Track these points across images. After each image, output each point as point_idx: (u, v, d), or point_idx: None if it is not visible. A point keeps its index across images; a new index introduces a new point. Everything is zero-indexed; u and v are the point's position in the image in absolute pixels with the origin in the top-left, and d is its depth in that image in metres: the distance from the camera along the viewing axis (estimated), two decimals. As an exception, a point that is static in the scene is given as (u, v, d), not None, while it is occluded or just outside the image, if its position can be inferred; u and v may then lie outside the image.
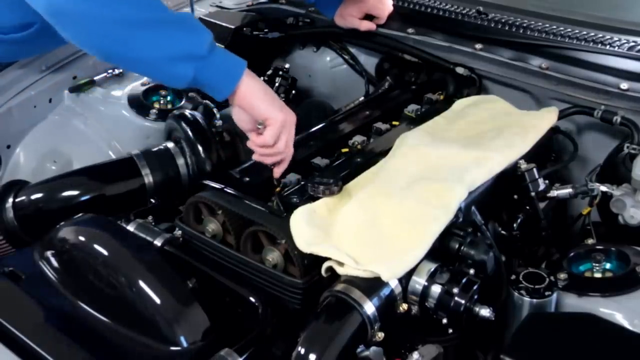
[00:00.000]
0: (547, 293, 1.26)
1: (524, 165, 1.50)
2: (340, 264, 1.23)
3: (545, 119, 1.66)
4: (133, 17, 1.30)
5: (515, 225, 1.53)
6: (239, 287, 1.31)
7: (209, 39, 1.36)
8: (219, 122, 1.71)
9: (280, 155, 1.44)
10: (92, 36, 1.33)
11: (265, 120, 1.41)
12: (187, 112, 1.73)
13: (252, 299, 1.28)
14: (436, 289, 1.25)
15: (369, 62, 2.15)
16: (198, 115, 1.72)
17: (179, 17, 1.37)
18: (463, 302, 1.23)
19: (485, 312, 1.23)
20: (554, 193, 1.50)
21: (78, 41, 1.35)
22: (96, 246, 1.31)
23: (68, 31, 1.33)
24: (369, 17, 2.05)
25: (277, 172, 1.47)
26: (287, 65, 2.06)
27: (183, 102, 1.99)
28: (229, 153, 1.70)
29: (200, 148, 1.67)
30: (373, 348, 1.17)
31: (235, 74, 1.38)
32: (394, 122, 1.74)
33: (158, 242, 1.40)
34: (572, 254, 1.40)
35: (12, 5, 1.55)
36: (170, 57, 1.33)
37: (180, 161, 1.68)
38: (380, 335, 1.20)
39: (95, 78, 2.02)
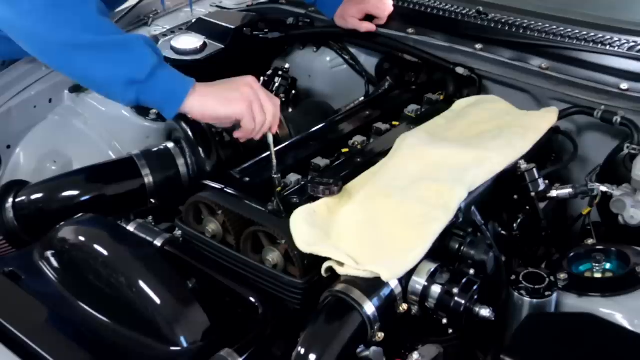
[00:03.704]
0: (547, 293, 1.26)
1: (524, 165, 1.50)
2: (340, 264, 1.23)
3: (545, 119, 1.66)
4: (73, 39, 1.34)
5: (515, 225, 1.53)
6: (239, 287, 1.31)
7: (151, 62, 1.37)
8: (219, 122, 1.71)
9: (268, 123, 1.45)
10: (38, 52, 1.40)
11: (235, 120, 1.43)
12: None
13: (252, 299, 1.28)
14: (436, 289, 1.25)
15: (369, 62, 2.15)
16: (198, 115, 1.71)
17: (122, 41, 1.38)
18: (463, 302, 1.23)
19: (485, 312, 1.23)
20: (554, 193, 1.50)
21: (30, 53, 1.41)
22: (96, 246, 1.31)
23: (19, 43, 1.40)
24: (369, 17, 2.05)
25: (273, 130, 1.48)
26: (287, 65, 2.06)
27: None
28: (229, 153, 1.70)
29: (200, 148, 1.67)
30: (373, 348, 1.17)
31: (177, 96, 1.39)
32: (394, 122, 1.74)
33: (158, 242, 1.40)
34: (572, 254, 1.39)
35: None
36: (110, 80, 1.37)
37: (180, 161, 1.68)
38: (380, 335, 1.20)
39: (95, 78, 2.02)
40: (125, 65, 1.36)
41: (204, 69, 1.97)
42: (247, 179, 1.50)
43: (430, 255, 1.27)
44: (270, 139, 1.46)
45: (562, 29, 1.85)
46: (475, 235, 1.37)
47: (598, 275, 1.36)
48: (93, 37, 1.35)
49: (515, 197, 1.54)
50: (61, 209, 1.53)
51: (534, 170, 1.49)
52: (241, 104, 1.41)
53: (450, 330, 1.28)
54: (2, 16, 1.36)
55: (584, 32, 1.82)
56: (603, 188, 1.47)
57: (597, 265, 1.36)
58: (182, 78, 1.41)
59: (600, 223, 1.57)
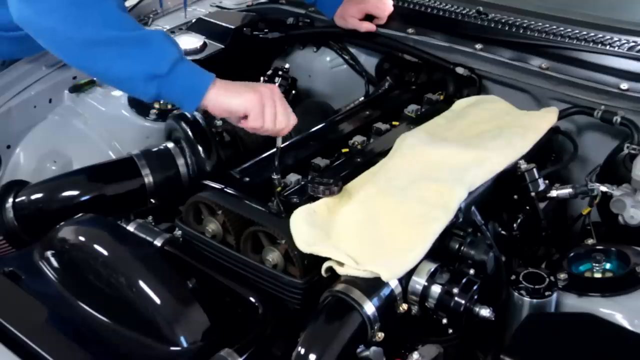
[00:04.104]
0: (547, 293, 1.26)
1: (524, 165, 1.50)
2: (340, 264, 1.23)
3: (545, 119, 1.66)
4: (95, 36, 1.34)
5: (515, 225, 1.53)
6: (239, 287, 1.31)
7: (172, 57, 1.36)
8: (219, 122, 1.71)
9: (273, 129, 1.43)
10: (58, 50, 1.40)
11: (245, 113, 1.42)
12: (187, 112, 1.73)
13: (252, 299, 1.28)
14: (436, 289, 1.25)
15: (369, 62, 2.15)
16: (198, 115, 1.71)
17: (143, 36, 1.38)
18: (463, 302, 1.23)
19: (485, 312, 1.23)
20: (554, 193, 1.50)
21: (49, 50, 1.41)
22: (96, 246, 1.31)
23: (39, 41, 1.39)
24: (369, 17, 2.05)
25: (282, 134, 1.46)
26: (287, 65, 2.06)
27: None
28: (229, 153, 1.70)
29: (200, 148, 1.67)
30: (373, 348, 1.17)
31: (198, 90, 1.39)
32: (394, 122, 1.74)
33: (158, 242, 1.40)
34: (572, 254, 1.39)
35: None
36: (131, 75, 1.36)
37: (180, 161, 1.68)
38: (380, 335, 1.20)
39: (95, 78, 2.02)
40: (146, 60, 1.36)
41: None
42: (247, 179, 1.50)
43: (430, 255, 1.27)
44: (279, 141, 1.46)
45: (562, 29, 1.85)
46: (475, 235, 1.37)
47: (598, 275, 1.36)
48: (114, 32, 1.34)
49: (515, 197, 1.54)
50: (61, 209, 1.53)
51: (534, 170, 1.49)
52: (252, 97, 1.40)
53: (450, 330, 1.28)
54: (21, 14, 1.37)
55: (584, 32, 1.82)
56: (603, 188, 1.46)
57: (597, 265, 1.36)
58: (202, 73, 1.41)
59: (600, 223, 1.56)
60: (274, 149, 1.47)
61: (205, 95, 1.39)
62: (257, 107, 1.40)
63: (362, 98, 2.06)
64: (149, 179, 1.63)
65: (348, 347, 1.16)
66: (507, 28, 1.91)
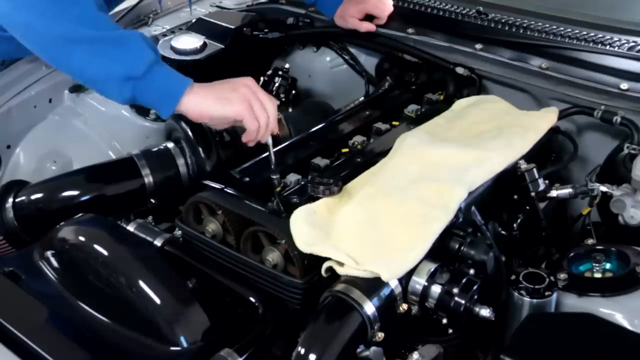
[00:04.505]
0: (547, 293, 1.26)
1: (524, 165, 1.50)
2: (340, 264, 1.23)
3: (545, 119, 1.66)
4: (71, 33, 1.32)
5: (515, 225, 1.53)
6: (239, 287, 1.31)
7: (148, 59, 1.35)
8: (218, 122, 1.71)
9: (272, 123, 1.44)
10: (33, 45, 1.38)
11: (235, 120, 1.42)
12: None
13: (252, 299, 1.28)
14: (436, 289, 1.25)
15: (369, 62, 2.15)
16: (198, 115, 1.71)
17: (120, 36, 1.37)
18: (463, 302, 1.23)
19: (485, 312, 1.23)
20: (554, 193, 1.50)
21: (26, 46, 1.39)
22: (96, 246, 1.31)
23: (16, 35, 1.38)
24: (369, 17, 2.05)
25: (274, 131, 1.47)
26: (287, 65, 2.06)
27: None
28: (229, 153, 1.70)
29: (200, 148, 1.67)
30: (373, 348, 1.17)
31: (174, 94, 1.38)
32: (394, 122, 1.74)
33: (158, 242, 1.40)
34: (572, 254, 1.39)
35: None
36: (106, 76, 1.35)
37: (180, 161, 1.68)
38: (380, 335, 1.20)
39: (96, 78, 2.02)
40: (121, 61, 1.34)
41: (204, 69, 1.97)
42: (247, 179, 1.50)
43: (430, 255, 1.27)
44: (269, 140, 1.46)
45: (562, 29, 1.85)
46: (475, 235, 1.37)
47: (598, 275, 1.36)
48: (90, 31, 1.33)
49: (515, 197, 1.54)
50: (61, 209, 1.53)
51: (534, 170, 1.49)
52: (240, 105, 1.40)
53: (450, 330, 1.28)
54: None
55: (584, 32, 1.82)
56: (603, 188, 1.47)
57: (597, 265, 1.36)
58: (179, 76, 1.40)
59: (600, 223, 1.57)
60: (273, 149, 1.47)
61: (181, 100, 1.38)
62: (246, 112, 1.40)
63: (362, 98, 2.06)
64: (149, 179, 1.63)
65: (348, 347, 1.16)
66: (507, 28, 1.91)
